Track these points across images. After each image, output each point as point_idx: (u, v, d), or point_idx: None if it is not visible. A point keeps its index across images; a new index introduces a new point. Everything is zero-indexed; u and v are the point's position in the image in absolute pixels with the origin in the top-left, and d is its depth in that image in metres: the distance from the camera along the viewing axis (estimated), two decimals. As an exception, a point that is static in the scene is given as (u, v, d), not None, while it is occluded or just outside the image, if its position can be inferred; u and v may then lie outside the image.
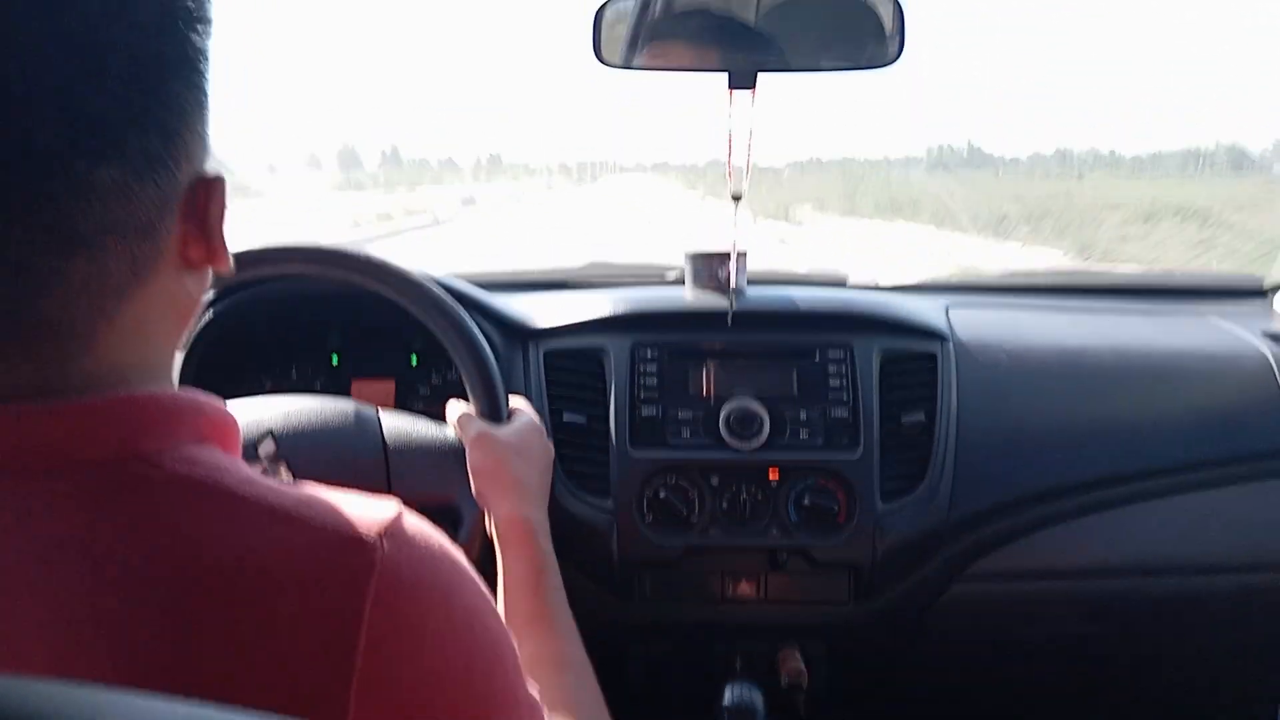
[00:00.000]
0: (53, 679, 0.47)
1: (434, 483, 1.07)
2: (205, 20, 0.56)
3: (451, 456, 1.09)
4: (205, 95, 0.57)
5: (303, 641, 0.50)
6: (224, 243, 0.60)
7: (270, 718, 0.38)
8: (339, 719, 0.50)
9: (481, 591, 0.60)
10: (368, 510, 0.56)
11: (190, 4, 0.55)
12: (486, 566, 0.99)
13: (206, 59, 0.57)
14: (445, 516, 1.02)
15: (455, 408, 1.13)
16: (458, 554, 0.60)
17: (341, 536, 0.54)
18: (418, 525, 0.58)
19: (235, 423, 0.62)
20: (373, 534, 0.54)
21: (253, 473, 0.57)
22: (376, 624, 0.52)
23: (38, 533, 0.51)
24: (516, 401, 1.17)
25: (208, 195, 0.58)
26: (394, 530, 0.55)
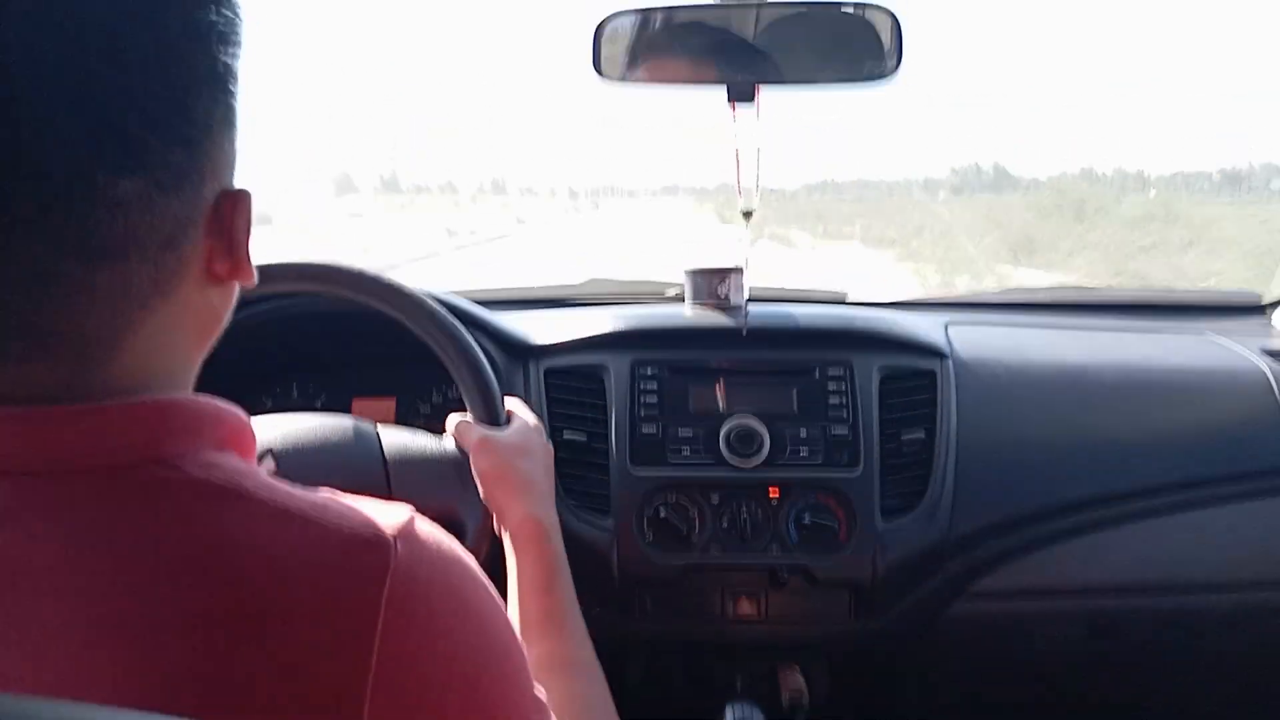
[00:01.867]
0: (70, 683, 0.48)
1: (435, 494, 1.06)
2: (234, 42, 0.57)
3: (452, 467, 1.09)
4: (233, 112, 0.58)
5: (320, 641, 0.51)
6: (249, 257, 0.61)
7: None
8: (356, 717, 0.51)
9: (492, 595, 0.61)
10: (382, 514, 0.57)
11: (219, 24, 0.56)
12: (494, 571, 0.99)
13: (235, 78, 0.58)
14: (448, 528, 1.02)
15: (454, 419, 1.13)
16: (469, 558, 0.61)
17: (357, 538, 0.54)
18: (430, 529, 0.59)
19: (253, 431, 0.63)
20: (387, 536, 0.55)
21: (270, 478, 0.57)
22: (391, 624, 0.52)
23: (59, 534, 0.51)
24: (511, 403, 1.16)
25: (234, 209, 0.59)
26: (407, 533, 0.56)
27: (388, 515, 0.57)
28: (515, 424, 1.11)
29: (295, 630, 0.51)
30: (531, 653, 0.64)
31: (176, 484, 0.54)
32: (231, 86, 0.57)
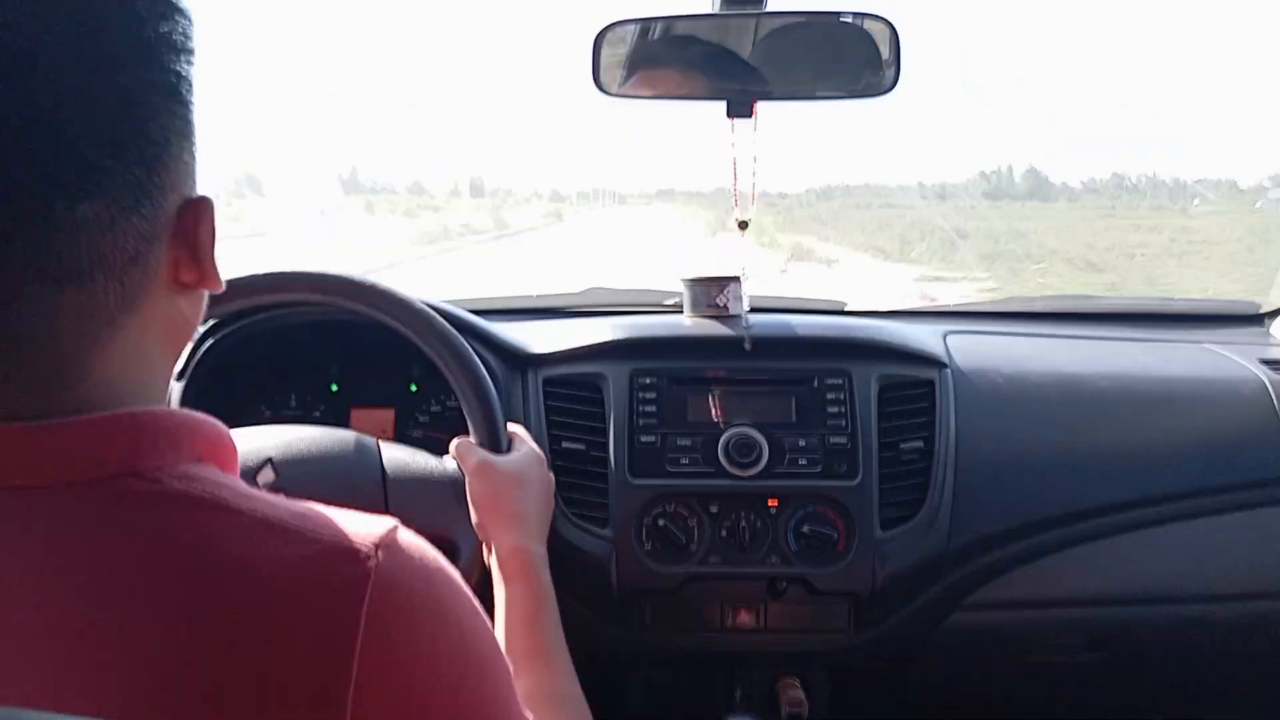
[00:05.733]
0: (50, 695, 0.48)
1: (431, 515, 1.06)
2: (187, 49, 0.57)
3: (450, 488, 1.08)
4: (190, 123, 0.58)
5: (301, 650, 0.51)
6: (215, 264, 0.60)
7: None
8: None
9: (475, 608, 0.61)
10: (363, 524, 0.57)
11: (171, 33, 0.55)
12: (484, 598, 0.99)
13: (190, 85, 0.57)
14: (441, 549, 1.02)
15: (458, 441, 1.12)
16: (452, 570, 0.61)
17: (337, 548, 0.54)
18: (413, 540, 0.59)
19: (233, 443, 0.62)
20: (368, 546, 0.55)
21: (249, 488, 0.57)
22: (371, 632, 0.52)
23: (37, 548, 0.51)
24: (516, 430, 1.16)
25: (197, 218, 0.59)
26: (389, 543, 0.56)
27: (370, 526, 0.57)
28: (516, 452, 1.11)
29: (276, 641, 0.51)
30: (517, 686, 0.64)
31: (155, 496, 0.54)
32: (187, 96, 0.57)
